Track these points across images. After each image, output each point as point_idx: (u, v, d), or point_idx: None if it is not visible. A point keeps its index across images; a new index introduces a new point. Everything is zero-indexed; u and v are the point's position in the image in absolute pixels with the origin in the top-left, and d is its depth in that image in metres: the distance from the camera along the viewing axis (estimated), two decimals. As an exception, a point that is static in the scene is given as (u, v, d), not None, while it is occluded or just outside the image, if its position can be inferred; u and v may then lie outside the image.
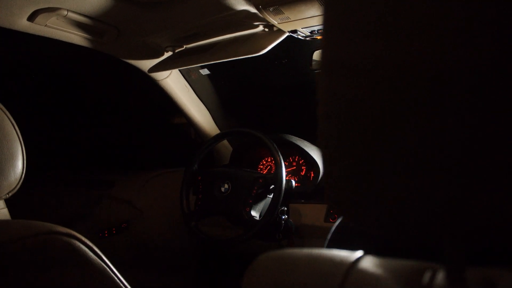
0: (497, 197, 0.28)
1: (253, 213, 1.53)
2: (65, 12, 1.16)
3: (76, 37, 1.35)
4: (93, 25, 1.28)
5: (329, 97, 0.34)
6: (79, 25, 1.29)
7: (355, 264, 0.38)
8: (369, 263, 0.38)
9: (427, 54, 0.28)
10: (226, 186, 1.59)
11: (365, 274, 0.36)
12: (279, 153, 1.52)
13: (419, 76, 0.28)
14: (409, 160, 0.30)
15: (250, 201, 1.53)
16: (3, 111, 0.73)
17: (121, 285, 0.76)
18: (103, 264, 0.73)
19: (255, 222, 1.49)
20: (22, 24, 1.18)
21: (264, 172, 1.94)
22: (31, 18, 1.17)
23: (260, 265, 0.43)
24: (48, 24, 1.22)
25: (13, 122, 0.74)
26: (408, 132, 0.29)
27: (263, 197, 1.58)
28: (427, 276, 0.35)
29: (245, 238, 1.47)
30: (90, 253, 0.71)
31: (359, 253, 0.40)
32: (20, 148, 0.74)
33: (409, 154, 0.30)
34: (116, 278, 0.75)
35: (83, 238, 0.70)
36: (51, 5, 1.13)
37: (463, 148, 0.28)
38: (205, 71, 1.86)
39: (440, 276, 0.35)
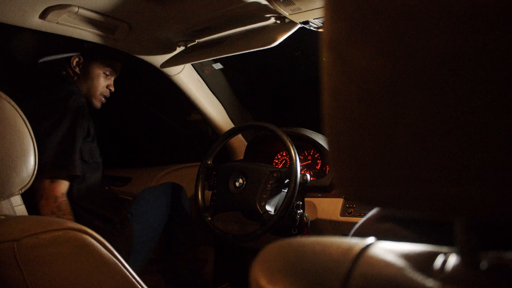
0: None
1: (268, 207, 1.52)
2: (76, 9, 1.17)
3: (88, 34, 1.36)
4: (104, 21, 1.28)
5: (336, 70, 0.32)
6: (90, 22, 1.29)
7: (365, 250, 0.37)
8: (379, 249, 0.37)
9: (433, 43, 0.26)
10: (240, 180, 1.58)
11: (374, 259, 0.35)
12: (294, 147, 1.51)
13: (426, 61, 0.27)
14: (420, 138, 0.28)
15: (265, 196, 1.52)
16: (15, 109, 0.74)
17: (132, 279, 0.76)
18: (114, 259, 0.73)
19: (270, 217, 1.47)
20: (34, 22, 1.19)
21: (279, 167, 1.93)
22: (43, 15, 1.17)
23: (269, 253, 0.42)
24: (59, 21, 1.22)
25: (25, 119, 0.74)
26: (421, 111, 0.28)
27: (278, 191, 1.57)
28: (439, 260, 0.34)
29: (260, 233, 1.47)
30: (102, 248, 0.71)
31: (370, 240, 0.39)
32: (31, 144, 0.74)
33: (420, 133, 0.28)
34: (127, 272, 0.75)
35: (95, 234, 0.71)
36: (62, 2, 1.13)
37: (475, 129, 0.26)
38: (218, 65, 1.85)
39: (453, 260, 0.34)
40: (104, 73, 1.67)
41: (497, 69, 0.25)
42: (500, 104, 0.25)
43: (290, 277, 0.37)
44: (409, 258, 0.35)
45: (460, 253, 0.33)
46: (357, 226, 0.69)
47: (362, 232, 0.67)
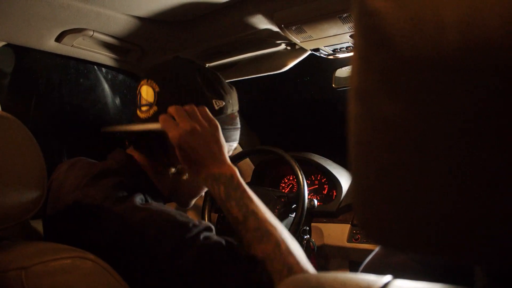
0: None
1: None
2: (91, 33, 1.19)
3: (101, 56, 1.38)
4: (117, 44, 1.31)
5: (363, 119, 0.32)
6: (104, 45, 1.32)
7: None
8: None
9: (462, 98, 0.26)
10: None
11: None
12: (301, 172, 1.50)
13: (455, 113, 0.27)
14: (446, 187, 0.28)
15: None
16: (26, 132, 0.74)
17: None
18: (120, 286, 0.73)
19: None
20: (50, 44, 1.21)
21: (286, 191, 1.92)
22: (59, 39, 1.20)
23: None
24: (74, 44, 1.25)
25: (36, 143, 0.75)
26: (451, 156, 0.28)
27: (285, 216, 1.56)
28: None
29: None
30: (110, 277, 0.71)
31: (387, 278, 0.38)
32: (42, 168, 0.75)
33: (448, 179, 0.28)
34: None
35: (105, 264, 0.70)
36: (78, 26, 1.16)
37: (501, 180, 0.26)
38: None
39: None
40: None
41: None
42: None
43: None
44: None
45: None
46: (368, 259, 0.68)
47: (374, 266, 0.66)
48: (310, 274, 0.42)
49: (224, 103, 0.96)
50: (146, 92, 0.90)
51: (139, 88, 0.93)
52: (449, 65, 0.26)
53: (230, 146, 1.03)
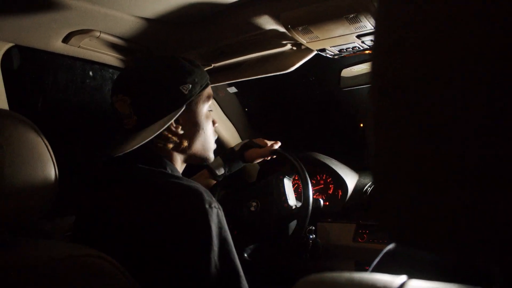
0: None
1: (293, 202, 1.54)
2: (98, 34, 1.20)
3: (107, 57, 1.39)
4: (124, 45, 1.31)
5: (383, 118, 0.33)
6: (110, 46, 1.32)
7: None
8: None
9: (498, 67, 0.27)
10: (254, 204, 1.58)
11: None
12: (306, 173, 1.50)
13: (488, 91, 0.27)
14: (468, 182, 0.28)
15: (283, 198, 1.54)
16: (37, 132, 0.75)
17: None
18: (134, 285, 0.73)
19: (300, 209, 1.49)
20: (57, 45, 1.22)
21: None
22: (66, 40, 1.20)
23: None
24: (81, 45, 1.25)
25: (47, 143, 0.76)
26: (470, 154, 0.28)
27: (289, 213, 1.56)
28: None
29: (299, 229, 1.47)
30: (121, 275, 0.71)
31: (403, 278, 0.38)
32: (53, 169, 0.75)
33: (468, 177, 0.28)
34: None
35: (113, 260, 0.71)
36: (84, 27, 1.16)
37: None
38: (232, 89, 1.88)
39: None
40: (209, 108, 1.15)
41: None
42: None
43: None
44: None
45: None
46: (378, 259, 0.68)
47: (386, 266, 0.67)
48: (325, 274, 0.42)
49: (190, 85, 1.04)
50: (122, 107, 1.00)
51: (113, 105, 1.03)
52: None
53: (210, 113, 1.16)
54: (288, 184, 1.59)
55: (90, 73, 1.66)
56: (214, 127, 1.18)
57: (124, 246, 0.87)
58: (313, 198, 1.48)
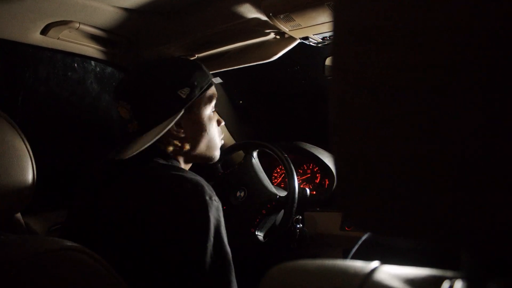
0: None
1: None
2: (77, 25, 1.17)
3: (88, 49, 1.37)
4: (105, 36, 1.29)
5: (340, 104, 0.32)
6: (91, 37, 1.30)
7: (370, 275, 0.37)
8: (384, 273, 0.37)
9: (442, 61, 0.26)
10: (242, 194, 1.57)
11: (380, 285, 0.35)
12: (290, 163, 1.49)
13: (434, 82, 0.27)
14: (427, 167, 0.28)
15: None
16: (13, 127, 0.73)
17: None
18: (114, 279, 0.73)
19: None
20: (36, 38, 1.19)
21: (279, 181, 1.93)
22: (44, 31, 1.18)
23: (273, 277, 0.42)
24: (60, 37, 1.23)
25: (23, 137, 0.74)
26: (427, 139, 0.28)
27: (271, 217, 1.54)
28: (445, 286, 0.34)
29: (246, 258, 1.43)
30: (102, 268, 0.71)
31: (374, 264, 0.38)
32: (30, 163, 0.74)
33: (427, 162, 0.28)
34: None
35: (94, 254, 0.70)
36: (63, 18, 1.14)
37: (484, 156, 0.26)
38: (217, 80, 1.86)
39: (459, 286, 0.34)
40: (212, 109, 1.16)
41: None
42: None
43: None
44: (414, 283, 0.35)
45: (467, 279, 0.33)
46: (356, 246, 0.69)
47: (363, 253, 0.67)
48: (298, 262, 0.42)
49: (189, 89, 1.05)
50: (123, 112, 1.04)
51: (118, 110, 1.06)
52: None
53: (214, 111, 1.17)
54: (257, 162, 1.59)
55: (72, 66, 1.64)
56: (220, 126, 1.20)
57: (123, 235, 0.90)
58: (300, 187, 1.48)
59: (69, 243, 0.70)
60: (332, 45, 0.33)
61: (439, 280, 0.35)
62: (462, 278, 0.34)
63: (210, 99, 1.13)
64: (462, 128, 0.26)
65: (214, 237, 0.87)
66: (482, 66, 0.25)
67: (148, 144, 0.99)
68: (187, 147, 1.09)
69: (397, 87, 0.28)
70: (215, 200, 0.92)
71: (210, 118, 1.13)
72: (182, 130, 1.07)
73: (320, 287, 0.37)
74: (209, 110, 1.13)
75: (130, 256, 0.87)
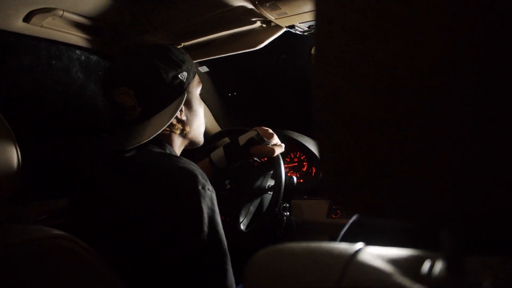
0: (496, 185, 0.27)
1: (241, 219, 1.48)
2: (61, 12, 1.16)
3: (73, 37, 1.35)
4: (89, 24, 1.27)
5: (323, 91, 0.33)
6: (75, 25, 1.28)
7: (354, 256, 0.38)
8: (368, 254, 0.38)
9: (421, 52, 0.27)
10: (228, 185, 1.57)
11: (364, 265, 0.36)
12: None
13: (413, 72, 0.28)
14: (406, 149, 0.29)
15: (245, 210, 1.50)
16: (-2, 115, 0.73)
17: (121, 286, 0.76)
18: (103, 266, 0.73)
19: (238, 232, 1.46)
20: (18, 25, 1.17)
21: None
22: (27, 19, 1.16)
23: (260, 259, 0.43)
24: (44, 24, 1.21)
25: (6, 124, 0.74)
26: (407, 125, 0.28)
27: (263, 193, 1.56)
28: (426, 265, 0.36)
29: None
30: (90, 257, 0.71)
31: (359, 245, 0.39)
32: (15, 151, 0.73)
33: (406, 144, 0.29)
34: (116, 280, 0.75)
35: (82, 242, 0.70)
36: (46, 6, 1.12)
37: (460, 139, 0.27)
38: (204, 68, 1.85)
39: (440, 265, 0.35)
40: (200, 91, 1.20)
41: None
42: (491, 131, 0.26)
43: (282, 286, 0.38)
44: (397, 263, 0.36)
45: (446, 258, 0.34)
46: (344, 230, 0.70)
47: (350, 235, 0.68)
48: (284, 245, 0.43)
49: (186, 72, 1.08)
50: (125, 99, 1.01)
51: (113, 98, 1.03)
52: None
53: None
54: (260, 180, 1.57)
55: (56, 54, 1.61)
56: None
57: (120, 228, 0.90)
58: (287, 175, 1.49)
59: (56, 231, 0.70)
60: (315, 34, 0.33)
61: (420, 260, 0.36)
62: (442, 258, 0.35)
63: (199, 83, 1.17)
64: (444, 109, 0.27)
65: (208, 227, 0.87)
66: (483, 64, 0.26)
67: (162, 129, 1.02)
68: (187, 129, 1.12)
69: (377, 77, 0.29)
70: (208, 189, 0.91)
71: (200, 102, 1.18)
72: (183, 113, 1.10)
73: (305, 268, 0.38)
74: (198, 94, 1.17)
75: (126, 247, 0.88)
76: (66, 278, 0.68)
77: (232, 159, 1.42)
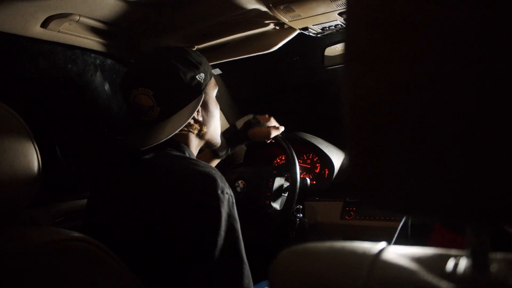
0: None
1: (274, 204, 1.54)
2: (77, 17, 1.17)
3: (89, 42, 1.37)
4: (105, 28, 1.29)
5: (355, 91, 0.33)
6: (91, 30, 1.30)
7: (379, 255, 0.38)
8: (392, 253, 0.38)
9: (452, 53, 0.27)
10: (241, 185, 1.59)
11: (389, 264, 0.37)
12: (292, 150, 1.52)
13: (443, 70, 0.28)
14: (434, 147, 0.29)
15: (269, 193, 1.54)
16: (18, 120, 0.74)
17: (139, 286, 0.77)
18: (121, 268, 0.74)
19: (277, 213, 1.50)
20: (36, 31, 1.19)
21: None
22: (44, 24, 1.18)
23: (284, 259, 0.43)
24: (61, 29, 1.23)
25: (29, 131, 0.75)
26: (437, 121, 0.29)
27: (279, 195, 1.58)
28: (451, 263, 0.36)
29: (272, 230, 1.48)
30: (107, 257, 0.72)
31: (382, 244, 0.40)
32: (36, 157, 0.75)
33: (435, 142, 0.29)
34: (134, 281, 0.76)
35: (99, 243, 0.71)
36: (63, 11, 1.14)
37: (487, 136, 0.27)
38: (217, 71, 1.86)
39: (464, 263, 0.35)
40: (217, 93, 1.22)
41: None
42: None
43: (310, 285, 0.39)
44: (421, 261, 0.36)
45: (471, 256, 0.35)
46: (397, 232, 0.71)
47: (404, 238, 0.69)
48: (307, 244, 0.43)
49: (203, 74, 1.10)
50: (144, 99, 1.02)
51: (132, 99, 1.04)
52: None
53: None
54: (279, 181, 1.60)
55: (72, 58, 1.64)
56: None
57: (138, 230, 0.91)
58: (300, 177, 1.49)
59: (75, 234, 0.71)
60: (346, 34, 0.34)
61: (444, 258, 0.36)
62: (466, 255, 0.35)
63: (215, 85, 1.19)
64: (468, 114, 0.27)
65: (226, 232, 0.88)
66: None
67: (180, 129, 1.02)
68: (204, 129, 1.13)
69: (410, 78, 0.29)
70: (227, 193, 0.92)
71: (216, 104, 1.19)
72: (200, 114, 1.11)
73: (332, 268, 0.39)
74: (214, 96, 1.18)
75: (143, 250, 0.89)
76: (84, 280, 0.69)
77: (231, 143, 1.46)
